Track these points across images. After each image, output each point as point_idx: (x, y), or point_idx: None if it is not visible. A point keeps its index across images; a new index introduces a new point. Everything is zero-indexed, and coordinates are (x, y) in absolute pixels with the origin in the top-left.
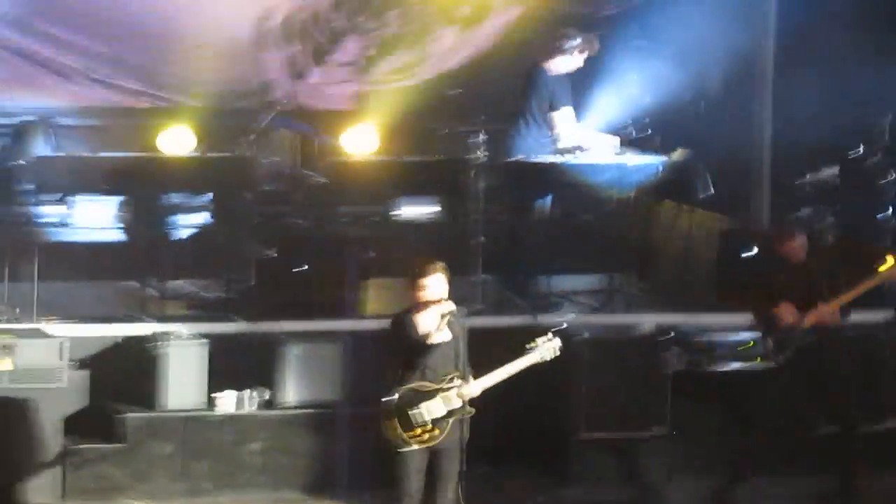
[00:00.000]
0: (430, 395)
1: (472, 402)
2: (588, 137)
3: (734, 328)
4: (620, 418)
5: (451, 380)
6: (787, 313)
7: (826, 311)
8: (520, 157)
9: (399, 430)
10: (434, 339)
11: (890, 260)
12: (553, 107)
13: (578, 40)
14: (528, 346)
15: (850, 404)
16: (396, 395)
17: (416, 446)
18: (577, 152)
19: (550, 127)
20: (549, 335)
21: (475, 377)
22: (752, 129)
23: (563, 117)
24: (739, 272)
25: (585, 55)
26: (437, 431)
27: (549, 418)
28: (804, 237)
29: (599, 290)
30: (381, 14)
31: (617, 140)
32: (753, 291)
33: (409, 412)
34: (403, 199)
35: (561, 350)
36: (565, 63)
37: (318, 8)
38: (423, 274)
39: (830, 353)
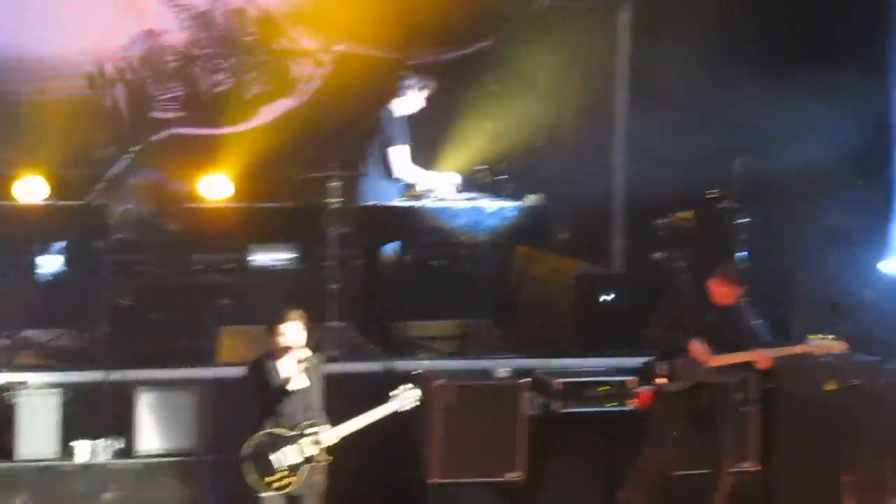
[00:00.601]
0: (286, 441)
1: (329, 449)
2: (426, 176)
3: (591, 372)
4: (476, 464)
5: (307, 427)
6: (698, 348)
7: (763, 357)
8: (374, 202)
9: (256, 475)
10: (291, 386)
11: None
12: (388, 144)
13: (414, 79)
14: (390, 395)
15: (724, 450)
16: (253, 442)
17: (272, 493)
18: (431, 196)
19: (387, 165)
20: (410, 385)
21: (332, 424)
22: (606, 173)
23: (397, 154)
24: (598, 316)
25: (425, 93)
26: (293, 478)
27: (405, 464)
28: (741, 290)
29: (455, 336)
30: (232, 55)
31: (458, 177)
32: (663, 316)
33: (266, 458)
34: (258, 245)
35: (420, 400)
36: (405, 104)
37: (165, 55)
38: (281, 320)
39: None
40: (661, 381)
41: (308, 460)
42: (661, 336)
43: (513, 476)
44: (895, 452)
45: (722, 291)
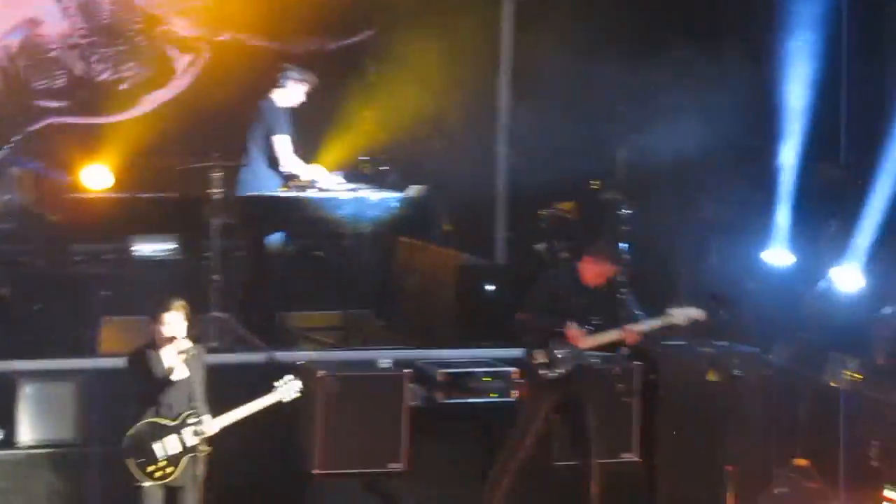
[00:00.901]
0: (167, 431)
1: (211, 439)
2: (308, 168)
3: (474, 363)
4: (358, 455)
5: (188, 417)
6: (574, 332)
7: (631, 332)
8: (256, 192)
9: (136, 465)
10: (172, 376)
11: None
12: (269, 134)
13: (295, 72)
14: (273, 385)
15: (592, 433)
16: (134, 431)
17: (150, 483)
18: (314, 186)
19: (269, 155)
20: (291, 376)
21: (214, 415)
22: (489, 164)
23: (280, 143)
24: (480, 307)
25: (305, 88)
26: (171, 468)
27: (288, 455)
28: (612, 268)
29: (338, 327)
30: (112, 42)
31: (338, 174)
32: (537, 299)
33: (147, 448)
34: (140, 236)
35: (301, 391)
36: (286, 96)
37: (39, 43)
38: (162, 310)
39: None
40: (540, 365)
41: (188, 450)
42: (536, 321)
43: (395, 467)
44: (775, 442)
45: (593, 271)
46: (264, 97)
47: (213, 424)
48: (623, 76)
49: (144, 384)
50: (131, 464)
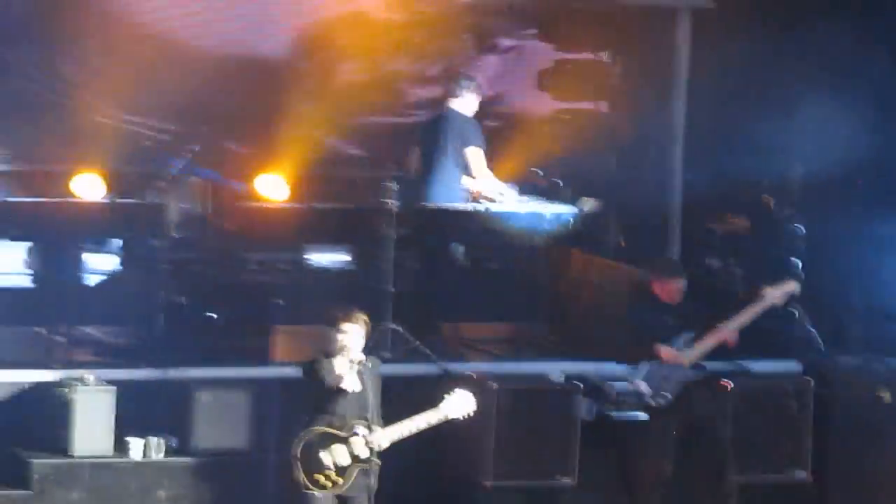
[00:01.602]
0: (337, 440)
1: (379, 453)
2: (498, 183)
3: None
4: (528, 467)
5: (359, 428)
6: (667, 353)
7: (727, 333)
8: (442, 202)
9: (302, 474)
10: (344, 387)
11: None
12: (464, 145)
13: (470, 82)
14: (445, 397)
15: (725, 454)
16: (304, 439)
17: (318, 492)
18: (497, 199)
19: (464, 165)
20: (464, 391)
21: (385, 427)
22: (663, 180)
23: (475, 155)
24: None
25: (478, 96)
26: (340, 479)
27: (457, 467)
28: (683, 281)
29: (509, 339)
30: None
31: (513, 190)
32: (631, 332)
33: (315, 456)
34: (314, 246)
35: (475, 412)
36: (464, 105)
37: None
38: (341, 320)
39: (711, 394)
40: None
41: (357, 462)
42: (631, 354)
43: (565, 480)
44: None
45: (666, 290)
46: (443, 107)
47: (383, 437)
48: (800, 90)
49: (316, 393)
50: (300, 472)
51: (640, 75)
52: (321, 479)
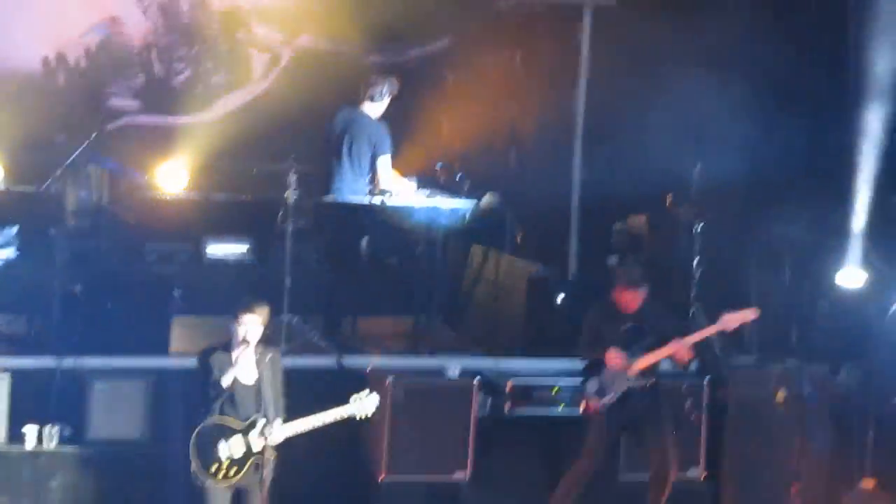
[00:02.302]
0: (233, 433)
1: (277, 445)
2: (399, 184)
3: (540, 374)
4: (424, 462)
5: (256, 421)
6: (616, 358)
7: (681, 347)
8: (331, 196)
9: (198, 464)
10: (242, 379)
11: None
12: (376, 153)
13: (386, 86)
14: (350, 398)
15: (666, 451)
16: (201, 430)
17: (212, 483)
18: (388, 195)
19: (370, 172)
20: (369, 391)
21: (285, 420)
22: (562, 176)
23: (384, 164)
24: (548, 319)
25: (391, 96)
26: (234, 469)
27: (353, 460)
28: (644, 291)
29: (406, 334)
30: (186, 48)
31: (414, 184)
32: (584, 335)
33: (212, 447)
34: (213, 237)
35: (377, 408)
36: (376, 109)
37: (119, 42)
38: (243, 310)
39: (650, 400)
40: (593, 394)
41: (253, 454)
42: (586, 353)
43: (461, 476)
44: (842, 463)
45: (626, 298)
46: (356, 108)
47: (280, 432)
48: (700, 87)
49: (213, 384)
50: (195, 462)
51: (542, 72)
52: (216, 470)
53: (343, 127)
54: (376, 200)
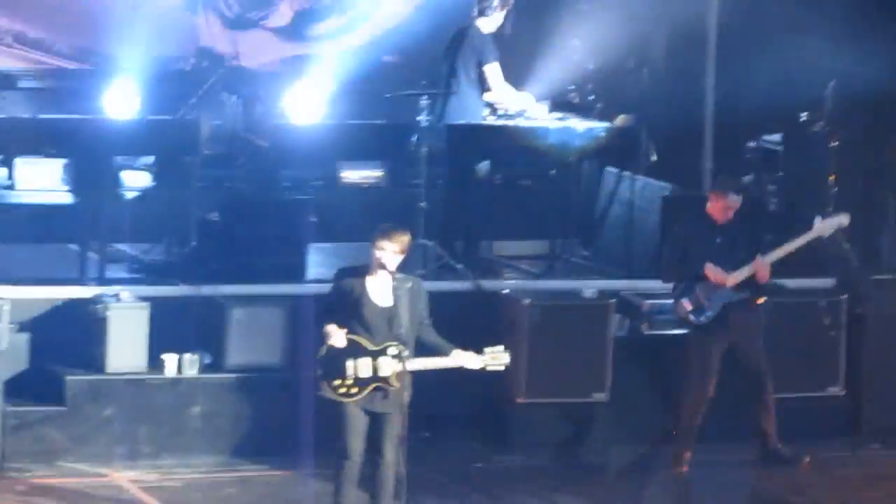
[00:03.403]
0: (363, 353)
1: (404, 376)
2: (519, 96)
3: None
4: (562, 384)
5: (389, 347)
6: (713, 272)
7: (761, 265)
8: (463, 120)
9: (323, 377)
10: (378, 302)
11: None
12: (481, 63)
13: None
14: (483, 350)
15: (765, 368)
16: (327, 346)
17: (332, 395)
18: (523, 115)
19: (480, 82)
20: (501, 347)
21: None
22: (695, 96)
23: (493, 71)
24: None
25: (505, 12)
26: (355, 389)
27: (489, 384)
28: (736, 199)
29: (541, 256)
30: None
31: (545, 102)
32: (671, 250)
33: (339, 363)
34: (346, 163)
35: (507, 365)
36: (490, 23)
37: None
38: (379, 237)
39: (751, 314)
40: (689, 313)
41: (379, 378)
42: (676, 271)
43: (599, 397)
44: None
45: (719, 207)
46: (469, 24)
47: (408, 364)
48: (832, 11)
49: (347, 306)
50: (320, 375)
51: None
52: (339, 386)
53: (452, 43)
54: (508, 123)
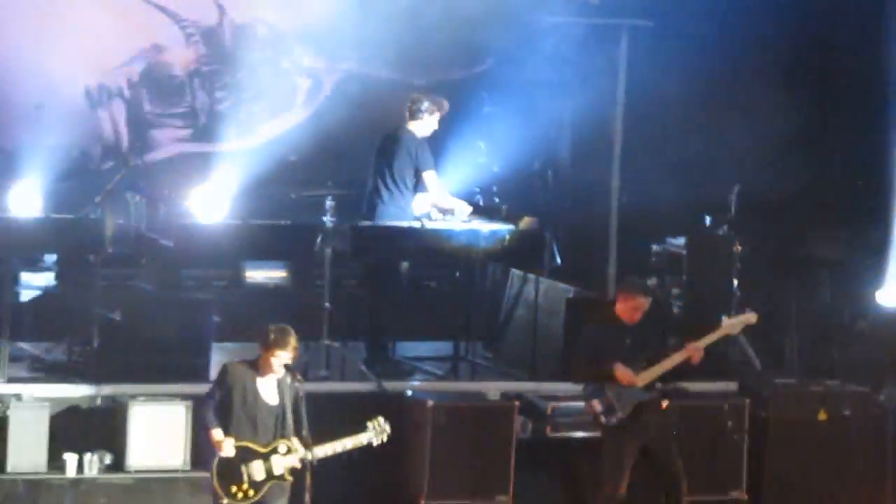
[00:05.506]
0: (254, 456)
1: (310, 466)
2: (452, 201)
3: (580, 396)
4: (465, 486)
5: (279, 445)
6: (622, 372)
7: (694, 349)
8: (369, 222)
9: (219, 484)
10: (266, 401)
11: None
12: (419, 170)
13: (426, 103)
14: (367, 425)
15: (678, 468)
16: (218, 456)
17: (232, 502)
18: (448, 216)
19: (416, 190)
20: (383, 419)
21: (315, 443)
22: (600, 199)
23: (430, 178)
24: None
25: (437, 116)
26: (252, 492)
27: (393, 483)
28: (645, 300)
29: (445, 358)
30: (229, 75)
31: (469, 208)
32: (583, 352)
33: (234, 469)
34: (250, 263)
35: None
36: (423, 127)
37: (162, 70)
38: (278, 345)
39: (662, 415)
40: (600, 413)
41: (273, 478)
42: (586, 373)
43: (502, 500)
44: (890, 482)
45: (629, 308)
46: (400, 127)
47: (298, 457)
48: (737, 109)
49: (236, 403)
50: (216, 482)
51: (580, 93)
52: (235, 491)
53: (385, 146)
54: (414, 224)
